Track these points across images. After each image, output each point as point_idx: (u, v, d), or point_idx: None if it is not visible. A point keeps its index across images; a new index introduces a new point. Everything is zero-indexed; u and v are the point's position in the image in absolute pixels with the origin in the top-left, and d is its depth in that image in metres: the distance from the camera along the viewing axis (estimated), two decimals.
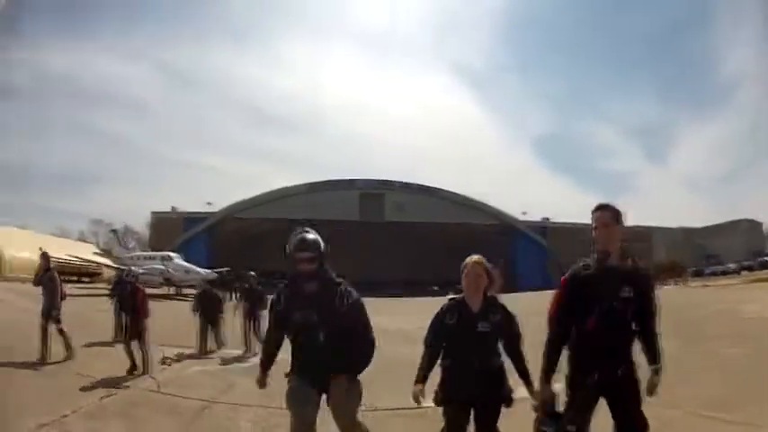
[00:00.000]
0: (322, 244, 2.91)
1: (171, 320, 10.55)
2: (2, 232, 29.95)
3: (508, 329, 2.89)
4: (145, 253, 34.34)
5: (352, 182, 46.12)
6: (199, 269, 27.89)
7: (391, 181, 46.81)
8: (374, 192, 45.94)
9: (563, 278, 2.72)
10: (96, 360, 7.19)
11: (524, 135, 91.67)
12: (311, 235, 2.92)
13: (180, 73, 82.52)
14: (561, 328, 2.66)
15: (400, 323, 11.06)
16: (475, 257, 2.98)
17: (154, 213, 48.02)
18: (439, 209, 44.60)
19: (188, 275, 27.49)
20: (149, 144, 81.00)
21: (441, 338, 2.90)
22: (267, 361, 3.07)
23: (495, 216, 46.28)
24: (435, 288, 29.65)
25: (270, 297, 3.27)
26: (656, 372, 2.62)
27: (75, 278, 29.18)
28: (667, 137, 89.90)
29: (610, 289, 2.57)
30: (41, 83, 72.38)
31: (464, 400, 2.81)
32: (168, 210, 47.36)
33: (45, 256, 7.98)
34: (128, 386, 5.82)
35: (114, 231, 40.89)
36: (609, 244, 2.62)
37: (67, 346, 7.31)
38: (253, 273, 9.88)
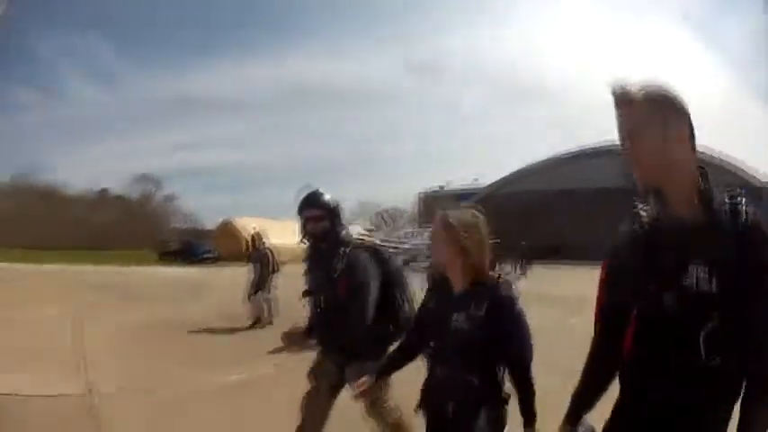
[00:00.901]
0: (333, 202, 2.70)
1: None
2: (245, 222, 31.95)
3: (499, 333, 1.74)
4: (412, 230, 35.92)
5: (611, 148, 39.62)
6: None
7: None
8: None
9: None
10: None
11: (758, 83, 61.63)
12: (320, 192, 2.71)
13: (423, 62, 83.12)
14: (605, 334, 1.45)
15: None
16: (444, 213, 1.85)
17: (422, 193, 49.97)
18: None
19: None
20: (409, 132, 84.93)
21: (420, 326, 2.03)
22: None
23: (738, 176, 34.05)
24: None
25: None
26: None
27: None
28: None
29: (664, 266, 1.24)
30: (295, 92, 79.75)
31: (436, 415, 1.89)
32: (437, 189, 49.17)
33: (255, 236, 9.33)
34: None
35: (380, 213, 44.36)
36: (647, 170, 1.29)
37: (269, 312, 8.46)
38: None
